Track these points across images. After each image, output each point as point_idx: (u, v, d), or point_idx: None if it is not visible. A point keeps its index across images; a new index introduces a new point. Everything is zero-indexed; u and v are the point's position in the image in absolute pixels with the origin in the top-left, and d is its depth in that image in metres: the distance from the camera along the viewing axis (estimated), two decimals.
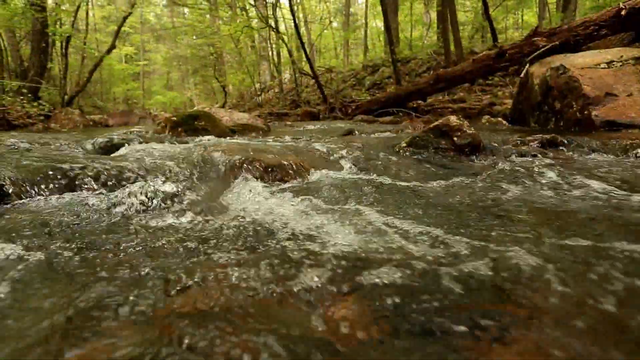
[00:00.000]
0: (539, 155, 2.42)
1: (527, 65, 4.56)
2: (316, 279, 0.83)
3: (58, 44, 11.63)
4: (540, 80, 4.05)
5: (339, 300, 0.77)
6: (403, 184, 1.72)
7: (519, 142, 2.95)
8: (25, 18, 10.22)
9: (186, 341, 0.62)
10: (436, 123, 3.01)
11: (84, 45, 13.69)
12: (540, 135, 2.93)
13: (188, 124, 3.58)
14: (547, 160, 2.21)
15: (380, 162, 2.23)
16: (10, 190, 1.64)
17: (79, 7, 11.77)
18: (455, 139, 2.93)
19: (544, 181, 1.73)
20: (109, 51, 12.91)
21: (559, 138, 2.81)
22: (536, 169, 1.89)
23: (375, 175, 1.90)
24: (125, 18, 13.13)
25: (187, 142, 2.87)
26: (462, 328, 0.65)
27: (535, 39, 4.80)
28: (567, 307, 0.73)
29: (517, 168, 2.07)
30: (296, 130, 4.79)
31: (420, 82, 7.45)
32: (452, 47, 9.43)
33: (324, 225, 1.18)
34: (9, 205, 1.55)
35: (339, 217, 1.24)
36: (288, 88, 14.02)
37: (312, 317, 0.70)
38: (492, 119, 5.52)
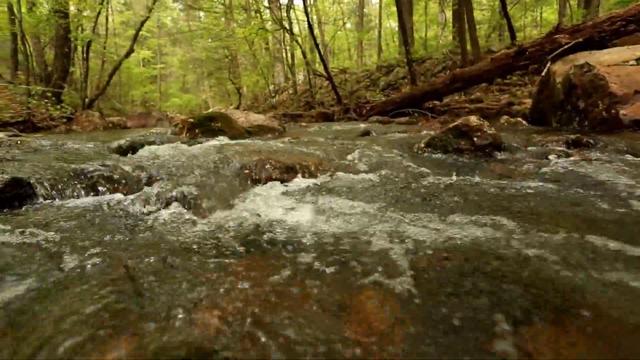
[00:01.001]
0: (564, 156, 2.34)
1: (549, 63, 4.42)
2: (337, 278, 0.81)
3: (80, 48, 12.00)
4: (563, 79, 3.92)
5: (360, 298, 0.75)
6: (424, 184, 1.69)
7: (541, 142, 2.86)
8: (50, 24, 10.59)
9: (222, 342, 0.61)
10: (455, 123, 2.96)
11: (104, 50, 14.08)
12: (564, 135, 2.84)
13: (205, 126, 3.62)
14: (573, 161, 2.13)
15: (399, 163, 2.19)
16: (38, 192, 1.69)
17: (99, 13, 12.12)
18: (475, 139, 2.86)
19: (573, 183, 1.67)
20: (127, 55, 13.22)
21: (584, 138, 2.71)
22: (562, 170, 1.82)
23: (395, 175, 1.87)
24: (142, 22, 13.43)
25: (204, 143, 2.90)
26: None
27: (558, 36, 4.66)
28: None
29: (542, 169, 2.00)
30: (312, 131, 4.79)
31: (437, 82, 7.35)
32: (468, 47, 9.27)
33: (346, 225, 1.16)
34: (37, 206, 1.59)
35: (362, 218, 1.22)
36: (302, 89, 14.06)
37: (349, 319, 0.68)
38: (511, 119, 5.39)
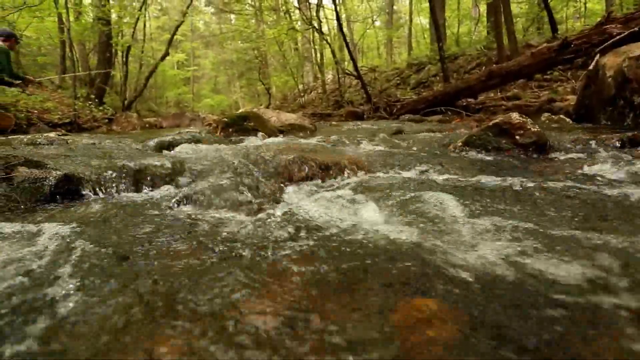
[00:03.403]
0: (620, 156, 2.16)
1: (597, 56, 4.13)
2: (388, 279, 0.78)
3: (120, 53, 12.67)
4: (614, 72, 3.64)
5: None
6: (464, 184, 1.61)
7: (591, 140, 2.67)
8: (93, 32, 11.26)
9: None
10: (496, 121, 2.82)
11: (142, 54, 14.76)
12: (618, 133, 2.63)
13: (238, 125, 3.69)
14: (633, 161, 1.96)
15: (436, 161, 2.11)
16: (85, 188, 1.78)
17: (138, 19, 12.72)
18: (517, 137, 2.72)
19: (634, 185, 1.53)
20: (163, 58, 13.78)
21: None
22: (624, 171, 1.68)
23: (433, 174, 1.80)
24: (177, 27, 13.96)
25: (238, 142, 2.95)
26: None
27: (608, 26, 4.33)
28: None
29: (594, 170, 1.86)
30: (343, 130, 4.76)
31: (471, 79, 7.08)
32: (505, 41, 8.87)
33: (389, 224, 1.12)
34: (84, 201, 1.67)
35: (404, 217, 1.18)
36: (331, 89, 14.05)
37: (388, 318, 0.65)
38: (553, 116, 5.09)
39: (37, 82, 6.64)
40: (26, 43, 11.61)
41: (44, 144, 2.93)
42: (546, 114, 5.22)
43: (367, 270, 0.85)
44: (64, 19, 9.93)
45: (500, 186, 1.51)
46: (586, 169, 1.87)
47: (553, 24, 8.46)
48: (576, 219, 1.17)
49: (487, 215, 1.20)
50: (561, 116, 4.91)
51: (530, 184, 1.51)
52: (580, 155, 2.29)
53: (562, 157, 2.28)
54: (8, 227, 1.18)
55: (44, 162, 1.90)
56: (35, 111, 7.69)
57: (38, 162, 1.90)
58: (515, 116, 2.76)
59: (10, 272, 0.88)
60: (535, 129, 2.68)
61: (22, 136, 3.67)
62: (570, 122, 4.48)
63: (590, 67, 4.23)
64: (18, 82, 4.89)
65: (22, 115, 7.03)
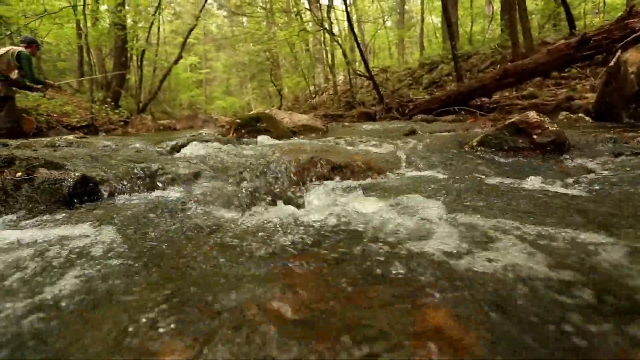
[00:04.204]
0: None
1: (619, 52, 4.00)
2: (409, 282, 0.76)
3: (134, 57, 12.93)
4: (637, 68, 3.52)
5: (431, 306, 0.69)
6: (485, 185, 1.57)
7: (613, 139, 2.58)
8: (110, 37, 11.53)
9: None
10: (512, 120, 2.76)
11: (156, 57, 15.02)
12: None
13: (251, 126, 3.71)
14: None
15: (451, 162, 2.07)
16: (103, 189, 1.81)
17: (152, 23, 12.96)
18: (535, 136, 2.65)
19: None
20: (176, 61, 14.00)
21: None
22: None
23: (448, 174, 1.76)
24: (190, 30, 14.15)
25: (251, 143, 2.96)
26: None
27: (630, 20, 4.19)
28: None
29: (619, 170, 1.79)
30: (355, 131, 4.73)
31: (485, 78, 6.96)
32: (520, 39, 8.68)
33: (405, 225, 1.10)
34: (101, 202, 1.70)
35: (420, 218, 1.15)
36: (342, 90, 14.02)
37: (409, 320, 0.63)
38: (571, 115, 4.95)
39: (57, 86, 6.83)
40: (47, 49, 11.96)
41: (63, 146, 3.00)
42: (564, 113, 5.09)
43: (382, 275, 0.83)
44: (81, 25, 10.20)
45: (521, 189, 1.46)
46: (609, 170, 1.81)
47: (570, 20, 8.24)
48: (606, 225, 1.12)
49: (507, 218, 1.17)
50: (580, 115, 4.78)
51: (553, 187, 1.46)
52: (602, 154, 2.21)
53: (582, 157, 2.21)
54: (33, 226, 1.21)
55: (63, 164, 1.94)
56: (55, 115, 7.92)
57: (57, 164, 1.95)
58: (532, 115, 2.69)
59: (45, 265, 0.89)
60: (554, 128, 2.60)
61: (42, 139, 3.77)
62: (590, 120, 4.35)
63: (611, 63, 4.10)
64: (39, 86, 5.05)
65: (43, 118, 7.25)
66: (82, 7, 9.52)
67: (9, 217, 1.43)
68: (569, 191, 1.42)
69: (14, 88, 4.83)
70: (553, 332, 0.61)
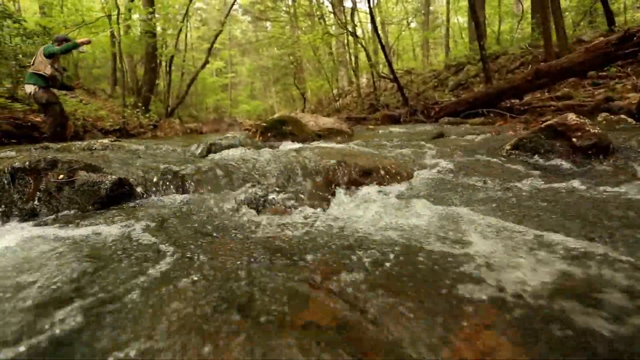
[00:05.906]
0: None
1: None
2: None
3: (163, 63, 13.41)
4: None
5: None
6: (518, 190, 1.50)
7: None
8: (141, 44, 12.03)
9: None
10: (549, 122, 2.63)
11: (183, 63, 15.52)
12: None
13: (277, 129, 3.73)
14: None
15: (485, 166, 2.00)
16: (138, 190, 1.86)
17: (180, 30, 13.40)
18: (574, 140, 2.51)
19: None
20: (203, 66, 14.39)
21: None
22: None
23: (483, 179, 1.69)
24: (216, 36, 14.52)
25: (278, 146, 2.98)
26: None
27: None
28: None
29: None
30: (381, 134, 4.67)
31: (516, 79, 6.71)
32: (553, 37, 8.32)
33: (439, 233, 1.06)
34: (137, 202, 1.75)
35: (454, 224, 1.11)
36: (365, 92, 13.95)
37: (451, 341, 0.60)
38: (612, 116, 4.68)
39: (76, 84, 6.93)
40: (83, 57, 12.61)
41: (99, 149, 3.13)
42: (604, 114, 4.82)
43: (419, 280, 0.80)
44: (115, 34, 10.70)
45: (563, 196, 1.38)
46: None
47: (610, 15, 7.80)
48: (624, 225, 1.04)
49: (547, 229, 1.10)
50: (622, 116, 4.50)
51: (605, 194, 1.36)
52: None
53: (628, 161, 2.07)
54: (81, 226, 1.26)
55: (100, 167, 2.02)
56: (90, 119, 8.33)
57: (95, 167, 2.02)
58: (571, 117, 2.55)
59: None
60: (596, 130, 2.46)
61: (79, 142, 3.96)
62: (634, 122, 4.09)
63: None
64: (67, 51, 5.07)
65: (80, 122, 7.63)
66: (116, 16, 9.99)
67: (52, 216, 1.50)
68: (622, 198, 1.32)
69: (55, 91, 5.01)
70: None
